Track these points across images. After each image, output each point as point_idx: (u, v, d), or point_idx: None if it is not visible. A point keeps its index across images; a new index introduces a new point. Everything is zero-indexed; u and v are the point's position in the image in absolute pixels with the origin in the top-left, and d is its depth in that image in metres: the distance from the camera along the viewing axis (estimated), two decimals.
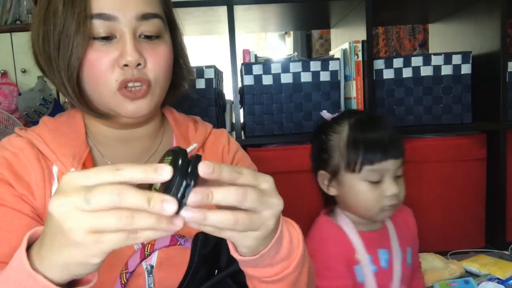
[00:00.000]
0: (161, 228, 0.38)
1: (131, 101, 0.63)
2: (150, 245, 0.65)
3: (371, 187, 0.86)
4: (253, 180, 0.43)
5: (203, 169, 0.39)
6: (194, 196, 0.38)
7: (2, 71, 2.02)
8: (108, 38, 0.62)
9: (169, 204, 0.37)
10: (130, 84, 0.63)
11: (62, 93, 0.65)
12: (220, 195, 0.39)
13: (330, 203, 0.97)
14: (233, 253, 0.49)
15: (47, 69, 0.65)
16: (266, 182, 0.44)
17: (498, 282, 1.08)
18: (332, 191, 0.93)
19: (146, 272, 0.66)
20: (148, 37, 0.64)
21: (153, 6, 0.65)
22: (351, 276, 0.88)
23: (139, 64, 0.62)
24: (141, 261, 0.64)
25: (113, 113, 0.65)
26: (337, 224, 0.92)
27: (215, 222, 0.40)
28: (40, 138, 0.66)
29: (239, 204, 0.40)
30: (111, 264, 0.63)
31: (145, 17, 0.63)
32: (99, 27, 0.61)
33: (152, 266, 0.66)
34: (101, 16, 0.61)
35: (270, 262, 0.51)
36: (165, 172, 0.38)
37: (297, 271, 0.54)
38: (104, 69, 0.61)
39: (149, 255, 0.65)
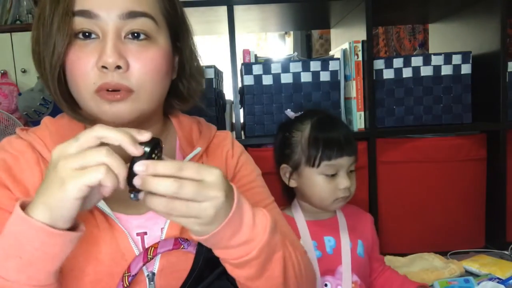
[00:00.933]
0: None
1: (109, 103, 0.60)
2: (153, 248, 0.64)
3: (327, 180, 0.97)
4: (195, 174, 0.49)
5: (138, 166, 0.48)
6: (139, 165, 0.48)
7: (2, 71, 2.02)
8: (89, 36, 0.59)
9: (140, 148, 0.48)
10: (110, 90, 0.59)
11: (49, 94, 0.65)
12: (160, 179, 0.47)
13: (290, 195, 1.07)
14: (191, 235, 0.54)
15: (38, 69, 0.64)
16: (212, 175, 0.50)
17: (498, 282, 1.08)
18: (292, 183, 1.03)
19: (147, 280, 0.65)
20: (135, 37, 0.60)
21: (143, 4, 0.61)
22: None
23: (119, 67, 0.58)
24: (143, 264, 0.64)
25: (95, 116, 0.62)
26: (288, 215, 1.03)
27: (156, 187, 0.47)
28: (41, 141, 0.65)
29: (174, 193, 0.47)
30: (111, 271, 0.63)
31: (131, 15, 0.59)
32: (81, 24, 0.58)
33: (153, 273, 0.65)
34: (83, 13, 0.58)
35: (227, 244, 0.55)
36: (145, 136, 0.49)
37: (263, 257, 0.57)
38: (84, 70, 0.59)
39: (152, 258, 0.64)
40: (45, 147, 0.65)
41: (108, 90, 0.59)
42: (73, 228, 0.52)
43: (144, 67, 0.60)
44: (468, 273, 1.22)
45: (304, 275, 0.68)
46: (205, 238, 0.53)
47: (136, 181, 0.48)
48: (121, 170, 0.48)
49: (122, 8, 0.59)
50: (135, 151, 0.48)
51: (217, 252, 0.57)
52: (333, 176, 0.97)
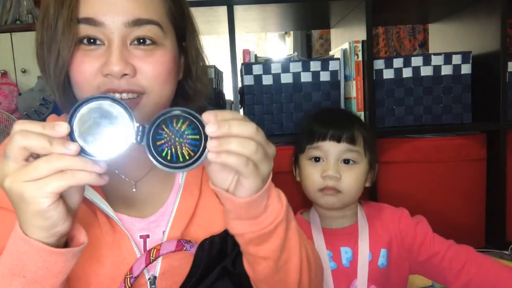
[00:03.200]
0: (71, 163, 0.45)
1: None
2: (155, 250, 0.64)
3: (312, 165, 0.92)
4: (264, 141, 0.50)
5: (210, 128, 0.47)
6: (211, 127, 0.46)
7: (2, 71, 2.02)
8: (94, 42, 0.58)
9: (70, 145, 0.46)
10: (117, 95, 0.57)
11: (54, 97, 0.63)
12: (242, 140, 0.47)
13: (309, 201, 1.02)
14: (233, 200, 0.53)
15: (43, 74, 0.63)
16: (271, 149, 0.52)
17: None
18: (297, 178, 1.00)
19: (148, 283, 0.65)
20: (141, 43, 0.59)
21: (149, 11, 0.59)
22: None
23: (125, 75, 0.57)
24: (146, 266, 0.63)
25: None
26: (305, 219, 0.98)
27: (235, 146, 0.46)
28: None
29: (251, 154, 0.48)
30: (112, 274, 0.63)
31: (136, 23, 0.58)
32: (86, 31, 0.58)
33: (155, 277, 0.65)
34: (88, 21, 0.57)
35: (263, 209, 0.55)
36: (62, 128, 0.46)
37: (285, 223, 0.59)
38: (87, 75, 0.58)
39: (155, 259, 0.64)
40: None
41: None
42: (74, 237, 0.53)
43: (153, 70, 0.60)
44: None
45: (314, 267, 0.68)
46: (258, 195, 0.53)
47: (213, 145, 0.47)
48: (87, 165, 0.46)
49: (127, 15, 0.58)
50: (67, 150, 0.46)
51: (250, 225, 0.56)
52: (319, 162, 0.92)
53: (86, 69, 0.58)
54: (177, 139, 0.48)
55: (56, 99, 0.63)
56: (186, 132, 0.48)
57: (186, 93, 0.71)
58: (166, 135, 0.48)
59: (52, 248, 0.49)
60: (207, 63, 0.73)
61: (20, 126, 0.46)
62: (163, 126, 0.48)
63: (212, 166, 0.54)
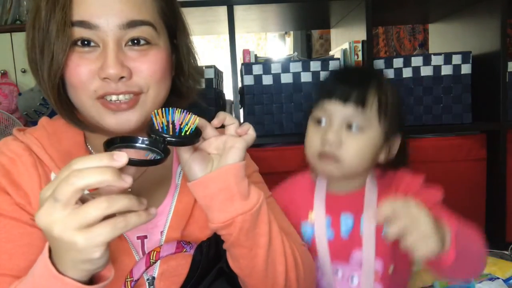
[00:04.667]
0: (136, 207, 0.46)
1: (113, 113, 0.59)
2: (155, 252, 0.64)
3: (316, 129, 0.79)
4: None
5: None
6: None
7: (2, 71, 2.02)
8: (89, 44, 0.57)
9: (120, 156, 0.45)
10: (114, 98, 0.58)
11: (47, 100, 0.63)
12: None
13: None
14: (224, 170, 0.57)
15: (36, 77, 0.62)
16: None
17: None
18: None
19: (147, 284, 0.65)
20: (135, 43, 0.59)
21: (142, 11, 0.59)
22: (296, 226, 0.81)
23: (122, 77, 0.57)
24: (146, 269, 0.63)
25: (97, 124, 0.61)
26: (311, 179, 0.87)
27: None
28: (39, 143, 0.64)
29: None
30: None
31: (131, 24, 0.58)
32: (80, 33, 0.57)
33: (153, 278, 0.65)
34: (82, 24, 0.56)
35: (248, 188, 0.59)
36: (122, 158, 0.45)
37: (265, 206, 0.61)
38: (84, 78, 0.57)
39: (155, 262, 0.64)
40: (42, 149, 0.64)
41: (111, 101, 0.58)
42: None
43: (148, 69, 0.60)
44: None
45: (302, 268, 0.68)
46: (245, 162, 0.59)
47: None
48: (139, 206, 0.46)
49: (121, 17, 0.57)
50: (123, 184, 0.45)
51: (243, 205, 0.59)
52: (321, 124, 0.79)
53: (82, 72, 0.57)
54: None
55: (51, 102, 0.62)
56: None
57: (178, 90, 0.71)
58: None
59: (86, 287, 0.48)
60: (198, 60, 0.73)
61: (75, 165, 0.44)
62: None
63: (192, 159, 0.57)
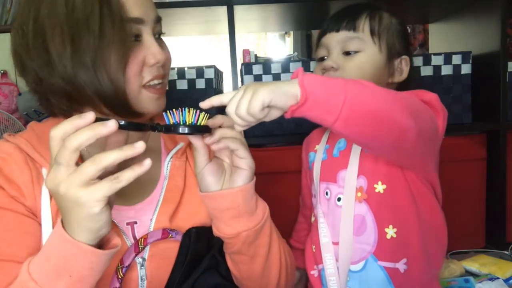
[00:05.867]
0: (127, 154, 0.51)
1: (157, 98, 0.68)
2: (143, 239, 0.67)
3: (319, 65, 0.83)
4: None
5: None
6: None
7: (2, 71, 2.02)
8: (138, 39, 0.65)
9: (109, 122, 0.51)
10: (156, 82, 0.67)
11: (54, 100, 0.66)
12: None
13: None
14: (231, 192, 0.62)
15: (45, 75, 0.63)
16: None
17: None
18: None
19: (138, 265, 0.68)
20: (159, 35, 0.70)
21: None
22: (306, 162, 0.93)
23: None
24: (136, 255, 0.66)
25: (138, 110, 0.67)
26: None
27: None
28: (28, 143, 0.67)
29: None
30: None
31: (158, 19, 0.68)
32: (133, 29, 0.64)
33: (144, 259, 0.68)
34: (136, 20, 0.63)
35: (255, 205, 0.65)
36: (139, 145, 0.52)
37: (269, 221, 0.68)
38: (137, 69, 0.64)
39: (143, 248, 0.67)
40: (32, 148, 0.66)
41: (150, 85, 0.66)
42: (108, 239, 0.58)
43: (169, 60, 0.71)
44: (468, 273, 1.22)
45: (289, 265, 0.75)
46: (252, 183, 0.65)
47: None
48: (129, 152, 0.51)
49: (155, 13, 0.67)
50: (111, 128, 0.51)
51: (248, 221, 0.65)
52: (323, 60, 0.83)
53: (135, 64, 0.64)
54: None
55: (110, 103, 0.64)
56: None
57: None
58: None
59: (99, 250, 0.54)
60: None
61: (59, 131, 0.51)
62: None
63: (207, 169, 0.62)
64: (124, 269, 0.65)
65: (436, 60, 1.38)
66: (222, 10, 1.34)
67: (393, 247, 0.74)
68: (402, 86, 0.85)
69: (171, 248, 0.68)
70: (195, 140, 0.63)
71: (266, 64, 1.36)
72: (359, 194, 0.76)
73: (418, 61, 1.38)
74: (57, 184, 0.50)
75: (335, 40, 0.81)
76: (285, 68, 1.36)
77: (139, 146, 0.52)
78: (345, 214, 0.75)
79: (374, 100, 0.56)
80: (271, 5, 1.40)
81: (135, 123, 0.56)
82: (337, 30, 0.81)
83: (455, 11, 1.62)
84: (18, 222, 0.63)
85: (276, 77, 1.36)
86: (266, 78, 1.36)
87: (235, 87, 1.38)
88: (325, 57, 0.83)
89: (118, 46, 0.59)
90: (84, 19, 0.58)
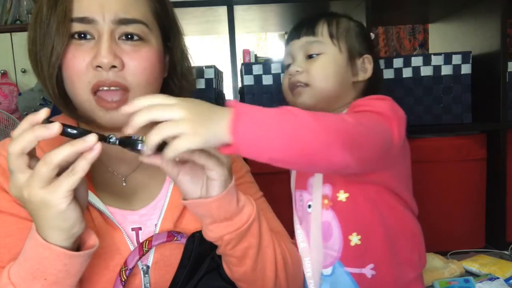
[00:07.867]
0: (78, 148, 0.49)
1: (106, 112, 0.61)
2: (147, 241, 0.66)
3: (286, 72, 0.88)
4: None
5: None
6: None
7: (2, 71, 2.02)
8: (85, 37, 0.61)
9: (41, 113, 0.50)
10: (105, 88, 0.61)
11: (46, 93, 0.66)
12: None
13: None
14: (205, 202, 0.59)
15: (35, 69, 0.65)
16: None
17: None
18: None
19: (142, 272, 0.67)
20: (129, 38, 0.62)
21: (135, 11, 0.63)
22: None
23: (114, 67, 0.60)
24: (140, 257, 0.65)
25: (90, 118, 0.64)
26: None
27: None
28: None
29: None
30: (106, 265, 0.65)
31: (124, 21, 0.62)
32: (78, 28, 0.61)
33: (148, 266, 0.67)
34: (81, 20, 0.60)
35: (237, 210, 0.61)
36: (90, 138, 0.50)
37: (257, 223, 0.64)
38: (79, 69, 0.60)
39: (148, 251, 0.66)
40: (38, 148, 0.65)
41: (100, 93, 0.61)
42: (85, 241, 0.57)
43: (139, 65, 0.62)
44: (468, 273, 1.22)
45: (291, 266, 0.72)
46: (226, 193, 0.58)
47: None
48: (80, 146, 0.50)
49: (116, 14, 0.61)
50: (52, 130, 0.49)
51: (227, 226, 0.61)
52: (290, 66, 0.87)
53: (79, 63, 0.61)
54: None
55: (49, 93, 0.64)
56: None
57: (171, 91, 0.73)
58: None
59: (71, 252, 0.53)
60: (191, 63, 0.76)
61: (11, 144, 0.50)
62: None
63: (182, 177, 0.59)
64: (127, 272, 0.64)
65: (436, 60, 1.38)
66: (222, 10, 1.34)
67: (357, 253, 0.76)
68: (370, 84, 0.88)
69: (176, 254, 0.67)
70: (142, 158, 0.57)
71: (266, 64, 1.36)
72: (325, 201, 0.78)
73: (418, 61, 1.38)
74: (19, 191, 0.51)
75: (298, 46, 0.86)
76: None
77: (90, 140, 0.50)
78: (313, 221, 0.78)
79: (310, 143, 0.55)
80: (271, 5, 1.40)
81: (82, 129, 0.52)
82: (299, 37, 0.86)
83: (455, 11, 1.62)
84: (20, 227, 0.62)
85: (276, 77, 1.36)
86: (266, 78, 1.36)
87: (235, 87, 1.38)
88: (291, 64, 0.87)
89: (58, 41, 0.60)
90: (38, 14, 0.62)
